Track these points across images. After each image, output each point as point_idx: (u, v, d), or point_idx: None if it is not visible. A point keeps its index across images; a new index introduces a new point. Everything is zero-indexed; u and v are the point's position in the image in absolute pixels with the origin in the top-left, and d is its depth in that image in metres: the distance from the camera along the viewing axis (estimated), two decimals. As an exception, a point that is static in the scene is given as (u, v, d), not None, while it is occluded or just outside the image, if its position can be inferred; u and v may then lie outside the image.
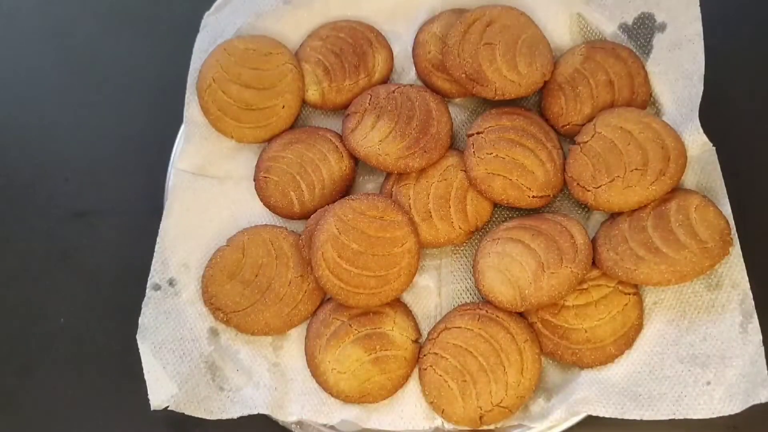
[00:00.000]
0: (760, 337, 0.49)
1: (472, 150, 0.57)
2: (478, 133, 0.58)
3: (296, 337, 0.57)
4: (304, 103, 0.64)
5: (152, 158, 0.65)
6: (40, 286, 0.65)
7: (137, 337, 0.55)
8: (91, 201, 0.68)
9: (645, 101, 0.59)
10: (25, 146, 0.71)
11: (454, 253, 0.60)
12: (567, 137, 0.60)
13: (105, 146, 0.71)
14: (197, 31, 0.66)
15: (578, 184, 0.56)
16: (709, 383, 0.48)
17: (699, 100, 0.55)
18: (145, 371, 0.54)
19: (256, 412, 0.53)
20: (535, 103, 0.63)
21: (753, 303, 0.50)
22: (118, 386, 0.60)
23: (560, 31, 0.62)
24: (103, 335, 0.63)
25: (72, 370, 0.62)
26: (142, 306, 0.56)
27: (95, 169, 0.70)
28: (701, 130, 0.54)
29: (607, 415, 0.49)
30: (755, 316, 0.50)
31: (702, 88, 0.55)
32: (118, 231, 0.67)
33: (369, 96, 0.61)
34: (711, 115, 0.55)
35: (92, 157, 0.70)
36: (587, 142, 0.56)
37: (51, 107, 0.73)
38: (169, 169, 0.63)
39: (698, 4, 0.58)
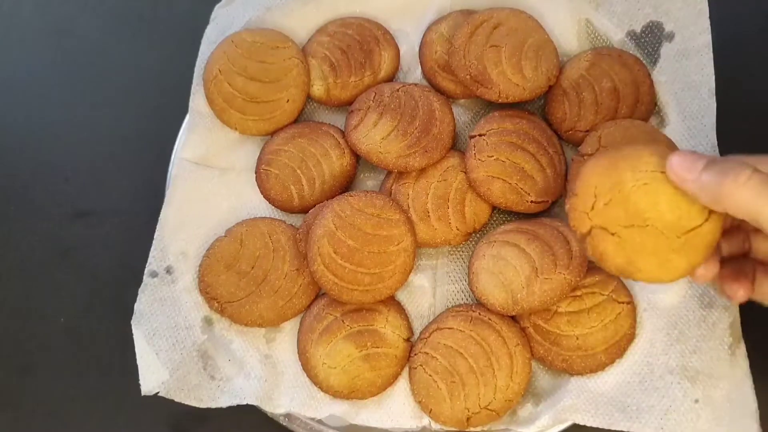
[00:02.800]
0: (748, 364, 0.48)
1: (473, 152, 0.57)
2: (480, 135, 0.58)
3: (289, 330, 0.58)
4: (308, 97, 0.64)
5: (152, 158, 0.65)
6: (40, 286, 0.65)
7: (132, 322, 0.55)
8: (91, 201, 0.68)
9: (649, 110, 0.58)
10: (25, 146, 0.71)
11: (451, 254, 0.60)
12: (569, 143, 0.60)
13: (105, 146, 0.71)
14: (197, 31, 0.66)
15: None
16: (697, 401, 0.48)
17: (713, 116, 0.54)
18: (137, 357, 0.55)
19: (245, 403, 0.54)
20: (539, 108, 0.63)
21: (740, 330, 0.50)
22: (118, 386, 0.60)
23: (568, 37, 0.62)
24: (103, 335, 0.63)
25: (72, 370, 0.62)
26: (139, 292, 0.57)
27: (95, 169, 0.70)
28: (717, 150, 0.54)
29: (594, 425, 0.49)
30: (743, 342, 0.49)
31: (714, 104, 0.55)
32: (118, 231, 0.67)
33: (373, 93, 0.61)
34: (718, 124, 0.55)
35: (92, 157, 0.70)
36: (592, 156, 0.56)
37: (51, 107, 0.73)
38: (170, 168, 0.63)
39: (708, 15, 0.57)
